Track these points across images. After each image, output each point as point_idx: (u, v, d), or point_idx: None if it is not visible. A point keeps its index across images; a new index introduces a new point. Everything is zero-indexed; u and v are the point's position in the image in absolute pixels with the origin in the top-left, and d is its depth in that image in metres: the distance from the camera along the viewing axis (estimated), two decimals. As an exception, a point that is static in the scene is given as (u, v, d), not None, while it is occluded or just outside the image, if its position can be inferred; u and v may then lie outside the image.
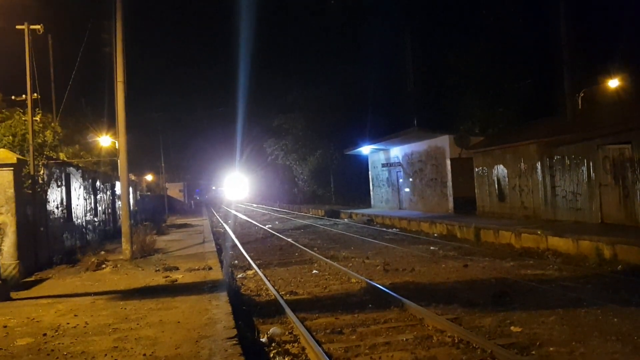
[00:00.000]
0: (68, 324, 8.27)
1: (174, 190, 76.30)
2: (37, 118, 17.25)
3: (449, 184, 27.10)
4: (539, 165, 20.17)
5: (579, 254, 14.13)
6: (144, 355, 6.51)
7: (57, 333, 7.75)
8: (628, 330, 7.58)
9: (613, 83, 23.79)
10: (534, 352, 6.90)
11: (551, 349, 7.01)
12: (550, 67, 26.56)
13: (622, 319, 8.13)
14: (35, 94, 17.00)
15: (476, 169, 24.76)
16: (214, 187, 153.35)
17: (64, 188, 17.92)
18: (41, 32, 16.85)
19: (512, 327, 8.01)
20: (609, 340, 7.20)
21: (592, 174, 17.42)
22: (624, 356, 6.60)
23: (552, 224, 18.24)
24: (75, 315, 8.82)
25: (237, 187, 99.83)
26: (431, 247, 17.77)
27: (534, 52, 31.34)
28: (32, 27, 16.55)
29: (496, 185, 23.13)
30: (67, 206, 18.30)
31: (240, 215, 48.05)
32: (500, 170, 22.79)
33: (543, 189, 19.98)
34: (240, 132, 64.15)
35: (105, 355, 6.59)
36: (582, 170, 17.88)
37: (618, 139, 16.32)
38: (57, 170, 17.39)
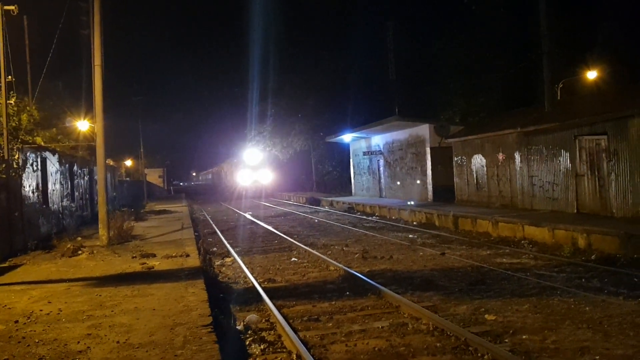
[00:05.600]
0: (41, 310, 8.16)
1: (154, 176, 75.65)
2: (12, 101, 16.89)
3: (429, 172, 27.24)
4: (516, 154, 20.35)
5: (554, 243, 14.33)
6: (118, 342, 6.46)
7: (29, 320, 7.65)
8: (599, 318, 7.72)
9: (591, 74, 24.04)
10: (507, 340, 6.99)
11: (524, 336, 7.11)
12: (532, 57, 26.73)
13: (594, 307, 8.27)
14: (9, 77, 16.63)
15: (455, 158, 24.92)
16: (193, 173, 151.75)
17: (39, 173, 17.63)
18: (16, 12, 16.45)
19: (486, 315, 8.11)
20: (580, 328, 7.32)
21: (569, 164, 17.62)
22: (594, 343, 6.72)
23: (529, 213, 18.45)
24: (49, 302, 8.71)
25: (252, 168, 53.71)
26: (410, 235, 17.88)
27: (516, 42, 31.47)
28: (6, 7, 16.14)
29: (475, 174, 23.32)
30: (43, 191, 18.02)
31: (222, 202, 47.82)
32: (479, 159, 22.96)
33: (521, 178, 20.18)
34: (252, 112, 56.96)
35: (78, 342, 6.52)
36: (559, 161, 18.08)
37: (594, 130, 16.52)
38: (33, 155, 17.10)
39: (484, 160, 22.61)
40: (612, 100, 18.26)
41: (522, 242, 15.17)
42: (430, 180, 27.16)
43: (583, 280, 10.25)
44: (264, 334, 7.73)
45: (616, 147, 15.57)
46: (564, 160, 17.84)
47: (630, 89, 18.99)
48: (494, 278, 10.71)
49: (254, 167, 52.56)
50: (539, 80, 22.57)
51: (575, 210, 17.30)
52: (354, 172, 39.00)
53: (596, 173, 16.51)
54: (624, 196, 15.33)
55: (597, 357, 6.31)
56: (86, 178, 25.49)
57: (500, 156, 21.42)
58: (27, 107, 19.17)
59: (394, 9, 43.69)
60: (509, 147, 20.86)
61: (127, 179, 52.70)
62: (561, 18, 26.38)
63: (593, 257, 12.40)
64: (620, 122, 15.43)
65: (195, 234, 19.54)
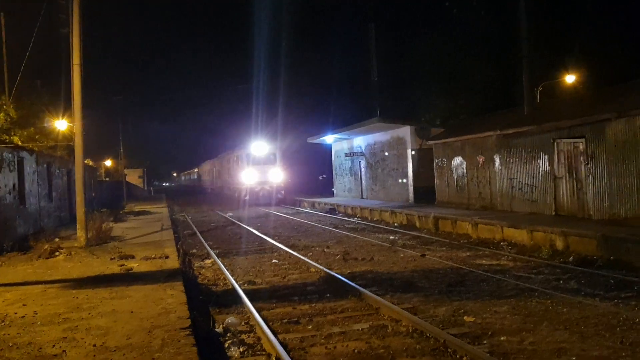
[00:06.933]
0: (16, 313, 8.02)
1: (134, 176, 74.88)
2: (-12, 100, 16.62)
3: (410, 174, 27.37)
4: (496, 157, 20.53)
5: (533, 245, 14.47)
6: (94, 345, 6.36)
7: (3, 323, 7.51)
8: (576, 319, 7.80)
9: (570, 78, 24.41)
10: (485, 342, 7.03)
11: (502, 338, 7.15)
12: (512, 60, 27.06)
13: (571, 308, 8.36)
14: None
15: (436, 160, 25.07)
16: (174, 173, 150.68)
17: (16, 173, 17.34)
18: (-8, 10, 16.19)
19: (465, 317, 8.15)
20: (557, 330, 7.40)
21: (548, 167, 17.83)
22: (571, 345, 6.79)
23: (508, 215, 18.62)
24: (24, 305, 8.55)
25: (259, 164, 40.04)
26: (391, 237, 17.94)
27: (497, 45, 31.84)
28: (-18, 4, 15.87)
29: (455, 176, 23.47)
30: (20, 191, 17.73)
31: (202, 202, 47.47)
32: (459, 161, 23.12)
33: (500, 180, 20.36)
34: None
35: (53, 346, 6.41)
36: (538, 163, 18.28)
37: (573, 133, 16.73)
38: (10, 155, 16.82)
39: (464, 163, 22.78)
40: (590, 103, 18.51)
41: (502, 243, 15.31)
42: (411, 182, 27.29)
43: (561, 281, 10.36)
44: (243, 336, 7.68)
45: (594, 150, 15.78)
46: (543, 162, 18.04)
47: (608, 92, 19.27)
48: (474, 279, 10.78)
49: (261, 164, 39.89)
50: (518, 83, 22.80)
51: (554, 212, 17.50)
52: (335, 174, 39.03)
53: (574, 176, 16.73)
54: (601, 199, 15.55)
55: (574, 358, 6.37)
56: (65, 178, 25.14)
57: (480, 158, 21.59)
58: (4, 106, 18.89)
59: (376, 11, 43.85)
60: (489, 150, 21.04)
61: (107, 179, 52.19)
62: (541, 22, 26.77)
63: (571, 258, 12.54)
64: (598, 126, 15.64)
65: (175, 235, 19.37)
